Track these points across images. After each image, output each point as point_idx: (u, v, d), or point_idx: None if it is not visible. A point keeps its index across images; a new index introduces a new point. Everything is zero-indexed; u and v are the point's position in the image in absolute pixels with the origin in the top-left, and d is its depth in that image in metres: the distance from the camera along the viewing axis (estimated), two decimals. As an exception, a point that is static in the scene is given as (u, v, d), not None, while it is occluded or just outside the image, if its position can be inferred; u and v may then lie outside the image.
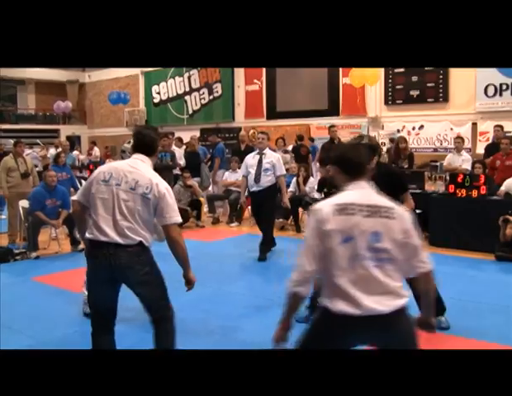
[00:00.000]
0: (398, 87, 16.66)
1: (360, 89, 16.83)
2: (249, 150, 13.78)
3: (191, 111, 22.09)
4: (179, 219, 3.76)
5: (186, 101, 22.18)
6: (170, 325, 3.88)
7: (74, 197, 3.96)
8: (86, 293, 4.94)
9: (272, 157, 8.53)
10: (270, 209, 8.64)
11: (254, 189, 8.43)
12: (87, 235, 3.75)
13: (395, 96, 16.78)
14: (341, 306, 2.72)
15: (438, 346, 4.92)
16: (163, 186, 3.73)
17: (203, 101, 21.70)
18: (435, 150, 15.89)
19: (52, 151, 16.40)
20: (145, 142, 3.91)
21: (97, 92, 26.23)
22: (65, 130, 26.00)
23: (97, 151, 20.97)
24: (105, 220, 3.67)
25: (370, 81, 14.98)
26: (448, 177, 9.91)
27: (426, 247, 9.12)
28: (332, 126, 12.45)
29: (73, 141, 22.47)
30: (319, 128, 17.86)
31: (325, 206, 2.79)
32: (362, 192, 2.86)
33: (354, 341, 2.87)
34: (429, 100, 16.08)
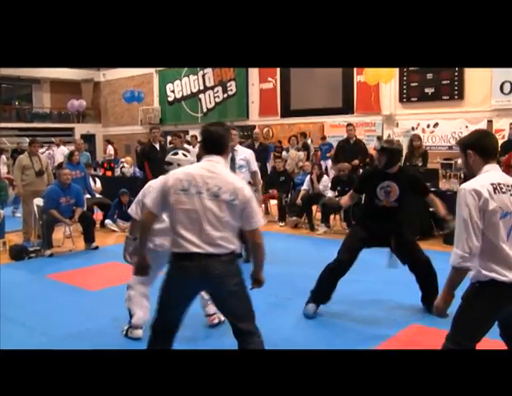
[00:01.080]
0: (413, 84, 16.58)
1: (374, 87, 16.77)
2: (264, 148, 13.84)
3: (205, 110, 22.12)
4: (263, 221, 3.68)
5: (200, 100, 22.22)
6: (259, 338, 3.61)
7: (147, 204, 3.70)
8: (130, 293, 5.21)
9: (245, 153, 8.27)
10: None
11: None
12: (174, 249, 3.55)
13: (409, 94, 16.71)
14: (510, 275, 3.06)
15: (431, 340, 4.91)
16: (247, 189, 3.56)
17: (217, 100, 21.72)
18: (450, 148, 15.79)
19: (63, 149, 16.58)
20: (214, 140, 3.66)
21: (112, 91, 26.35)
22: (80, 129, 26.16)
23: (111, 149, 21.09)
24: (192, 232, 3.47)
25: (384, 79, 14.91)
26: (462, 175, 9.84)
27: (440, 245, 9.09)
28: (349, 125, 12.35)
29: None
30: (333, 126, 17.83)
31: (484, 186, 3.06)
32: (499, 173, 3.20)
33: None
34: (444, 97, 15.99)
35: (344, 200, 6.10)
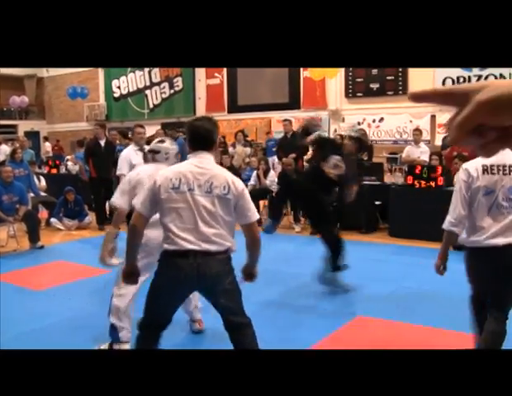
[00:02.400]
0: (358, 79, 16.79)
1: (320, 82, 16.93)
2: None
3: (151, 106, 21.93)
4: (258, 215, 3.59)
5: (146, 96, 22.01)
6: (252, 329, 3.58)
7: (136, 206, 3.54)
8: (116, 303, 4.48)
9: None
10: None
11: None
12: (166, 246, 3.44)
13: (355, 89, 16.91)
14: (487, 240, 3.70)
15: (399, 334, 5.02)
16: (239, 183, 3.50)
17: (164, 96, 21.56)
18: (395, 142, 16.06)
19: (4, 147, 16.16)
20: (201, 136, 3.56)
21: (56, 87, 25.83)
22: (23, 126, 25.54)
23: (48, 146, 20.80)
24: (187, 230, 3.39)
25: (329, 74, 15.08)
26: (406, 169, 10.06)
27: (386, 238, 9.27)
28: (285, 120, 12.57)
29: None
30: (280, 121, 17.89)
31: (475, 167, 3.69)
32: (502, 155, 3.59)
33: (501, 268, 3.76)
34: (389, 92, 16.24)
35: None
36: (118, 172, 7.91)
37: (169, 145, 4.87)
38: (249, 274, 3.71)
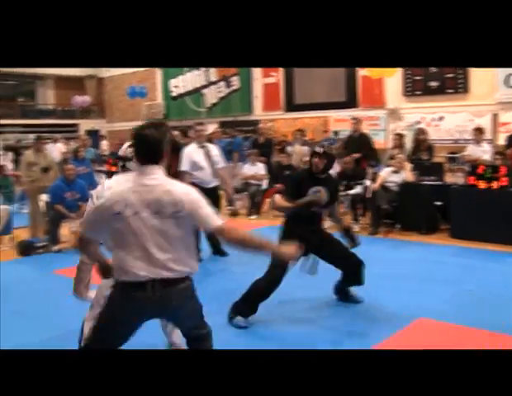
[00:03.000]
0: (417, 78, 16.51)
1: (378, 81, 16.71)
2: (268, 143, 13.84)
3: (209, 105, 22.09)
4: (220, 220, 3.13)
5: (204, 95, 22.19)
6: (210, 341, 3.40)
7: (80, 227, 3.22)
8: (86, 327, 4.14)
9: (215, 149, 8.35)
10: (220, 204, 8.60)
11: (213, 184, 8.09)
12: (118, 277, 3.12)
13: (414, 88, 16.63)
14: None
15: (449, 336, 4.93)
16: (192, 193, 3.11)
17: (221, 95, 21.69)
18: (455, 141, 15.73)
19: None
20: (149, 147, 3.09)
21: (116, 86, 26.32)
22: (84, 125, 26.14)
23: (104, 144, 21.15)
24: (138, 258, 3.04)
25: (388, 73, 14.86)
26: (467, 169, 9.85)
27: (446, 239, 9.09)
28: (354, 118, 12.39)
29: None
30: (337, 120, 17.79)
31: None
32: None
33: None
34: (449, 91, 15.91)
35: (283, 204, 5.59)
36: (181, 169, 8.05)
37: None
38: (280, 255, 3.52)
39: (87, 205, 4.09)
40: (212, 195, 8.03)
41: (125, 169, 4.01)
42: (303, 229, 5.34)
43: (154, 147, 3.09)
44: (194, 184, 7.91)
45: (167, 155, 3.15)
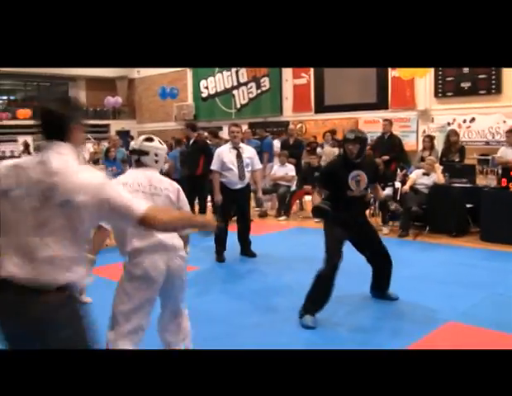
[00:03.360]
0: (448, 78, 16.35)
1: (409, 82, 16.60)
2: (298, 144, 13.83)
3: (239, 106, 22.16)
4: (141, 210, 2.58)
5: (234, 96, 22.27)
6: None
7: None
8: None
9: (250, 151, 8.31)
10: (249, 205, 8.60)
11: (239, 186, 8.08)
12: None
13: (445, 89, 16.48)
14: None
15: (478, 340, 4.88)
16: (96, 175, 2.61)
17: (251, 96, 21.74)
18: (487, 143, 15.54)
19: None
20: (51, 120, 2.65)
21: (146, 87, 26.55)
22: (115, 125, 26.44)
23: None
24: (11, 250, 2.54)
25: (419, 74, 14.75)
26: (500, 171, 9.73)
27: (477, 242, 8.99)
28: (385, 120, 12.34)
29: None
30: (367, 121, 17.71)
31: None
32: None
33: None
34: (481, 92, 15.73)
35: (316, 199, 5.73)
36: (211, 167, 8.23)
37: (159, 144, 3.99)
38: (202, 227, 3.02)
39: None
40: (238, 196, 8.08)
41: (140, 163, 3.90)
42: (344, 214, 5.51)
43: (58, 120, 2.63)
44: (222, 183, 7.98)
45: (77, 132, 2.71)
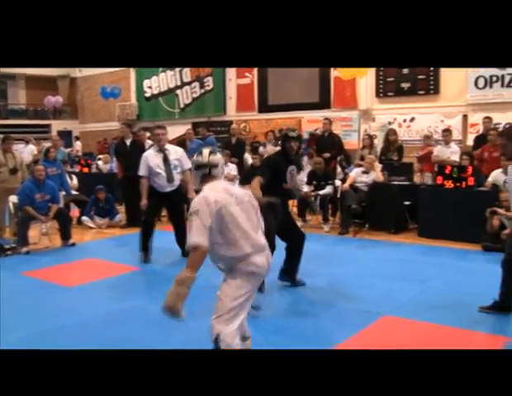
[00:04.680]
0: (389, 79, 16.66)
1: (351, 82, 16.84)
2: (240, 143, 13.87)
3: (182, 105, 22.06)
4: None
5: (177, 95, 22.15)
6: None
7: None
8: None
9: (177, 152, 8.11)
10: (182, 208, 8.49)
11: (169, 189, 7.93)
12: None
13: (386, 89, 16.79)
14: None
15: (412, 333, 5.01)
16: None
17: (195, 95, 21.67)
18: (426, 142, 15.91)
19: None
20: None
21: (89, 87, 26.15)
22: (57, 125, 25.95)
23: (78, 145, 20.98)
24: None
25: (359, 74, 14.97)
26: (436, 169, 9.98)
27: (415, 238, 9.21)
28: (326, 119, 12.53)
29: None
30: (310, 121, 17.88)
31: None
32: None
33: None
34: (420, 92, 16.09)
35: (256, 187, 5.74)
36: (139, 173, 8.01)
37: (220, 157, 4.08)
38: None
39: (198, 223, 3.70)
40: (169, 199, 7.98)
41: (211, 177, 3.93)
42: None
43: None
44: (152, 188, 7.84)
45: None
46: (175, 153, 8.06)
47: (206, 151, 4.04)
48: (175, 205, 8.20)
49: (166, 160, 7.86)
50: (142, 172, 7.91)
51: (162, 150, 7.92)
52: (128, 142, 11.00)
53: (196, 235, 3.55)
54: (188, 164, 7.92)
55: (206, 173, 3.92)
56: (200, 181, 3.99)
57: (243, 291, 3.70)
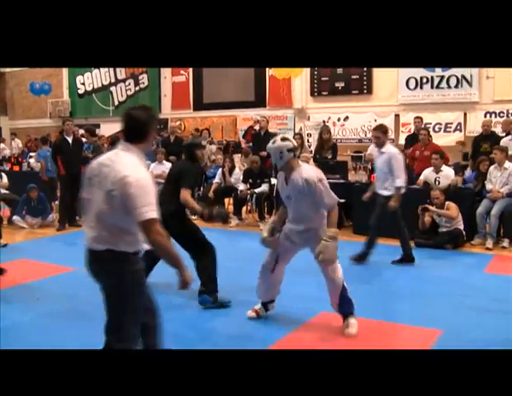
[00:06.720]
0: (323, 78, 16.91)
1: (286, 81, 17.00)
2: (179, 142, 13.78)
3: (116, 103, 21.75)
4: (153, 214, 3.05)
5: (111, 92, 21.83)
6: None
7: None
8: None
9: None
10: None
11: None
12: None
13: (320, 88, 17.03)
14: None
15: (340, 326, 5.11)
16: (132, 177, 3.05)
17: (129, 92, 21.41)
18: (360, 141, 16.24)
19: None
20: (132, 126, 3.30)
21: (18, 82, 25.40)
22: (-16, 122, 25.16)
23: (18, 142, 20.38)
24: (88, 224, 3.27)
25: (294, 73, 15.13)
26: (370, 168, 10.17)
27: (350, 235, 9.36)
28: (262, 117, 12.65)
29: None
30: (245, 119, 17.94)
31: None
32: None
33: None
34: (354, 92, 16.41)
35: (195, 207, 5.92)
36: None
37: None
38: (181, 281, 3.33)
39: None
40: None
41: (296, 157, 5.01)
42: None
43: (135, 126, 3.30)
44: None
45: (149, 137, 3.36)
46: None
47: (286, 136, 5.08)
48: None
49: None
50: None
51: None
52: (70, 139, 10.69)
53: (334, 195, 4.75)
54: None
55: (295, 155, 4.85)
56: (287, 162, 4.88)
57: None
